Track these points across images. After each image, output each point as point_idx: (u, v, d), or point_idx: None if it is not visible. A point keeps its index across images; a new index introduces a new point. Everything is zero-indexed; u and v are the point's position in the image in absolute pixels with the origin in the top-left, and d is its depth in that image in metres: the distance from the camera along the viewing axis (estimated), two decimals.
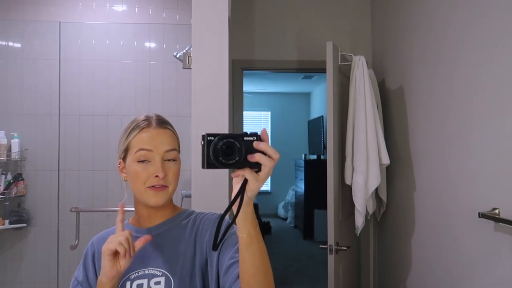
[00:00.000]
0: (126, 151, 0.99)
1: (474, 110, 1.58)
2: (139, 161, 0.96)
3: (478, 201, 1.54)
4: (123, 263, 0.85)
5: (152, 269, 0.97)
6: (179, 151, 1.02)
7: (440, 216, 1.86)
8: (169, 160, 0.98)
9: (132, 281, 0.96)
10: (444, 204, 1.82)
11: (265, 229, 6.24)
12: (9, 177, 2.62)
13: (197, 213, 1.06)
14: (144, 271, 0.97)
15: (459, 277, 1.69)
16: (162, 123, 1.01)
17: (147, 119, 1.01)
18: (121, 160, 1.01)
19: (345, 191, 2.26)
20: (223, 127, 1.65)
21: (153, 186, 0.95)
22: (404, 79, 2.28)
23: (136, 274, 0.97)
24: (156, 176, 0.94)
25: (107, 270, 0.85)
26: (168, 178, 0.96)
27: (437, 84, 1.89)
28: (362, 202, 2.12)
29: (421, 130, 2.06)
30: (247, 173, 0.70)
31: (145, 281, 0.96)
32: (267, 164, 0.70)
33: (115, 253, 0.85)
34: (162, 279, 0.96)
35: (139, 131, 0.98)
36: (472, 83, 1.59)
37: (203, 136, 0.70)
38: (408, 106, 2.22)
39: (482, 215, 1.44)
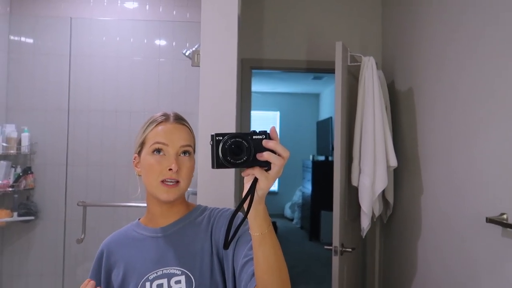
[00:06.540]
0: (142, 145, 1.00)
1: (481, 113, 1.56)
2: (153, 152, 0.96)
3: (486, 205, 1.51)
4: None
5: (171, 268, 0.96)
6: (194, 149, 1.02)
7: (447, 220, 1.83)
8: (183, 155, 0.98)
9: (151, 282, 0.95)
10: (451, 208, 1.79)
11: None
12: (19, 170, 2.66)
13: (211, 209, 1.06)
14: (162, 270, 0.96)
15: (465, 282, 1.67)
16: (180, 119, 1.02)
17: (165, 114, 1.02)
18: (136, 155, 1.02)
19: (352, 192, 2.24)
20: (230, 125, 1.64)
21: (165, 182, 0.94)
22: (413, 81, 2.26)
23: (155, 274, 0.96)
24: (170, 169, 0.93)
25: None
26: (181, 173, 0.96)
27: (443, 87, 1.87)
28: (368, 204, 2.10)
29: (429, 133, 2.04)
30: (256, 171, 0.70)
31: (164, 281, 0.95)
32: (276, 163, 0.69)
33: None
34: (182, 278, 0.95)
35: (156, 125, 0.99)
36: (478, 85, 1.57)
37: (212, 136, 0.70)
38: (417, 109, 2.20)
39: (489, 220, 1.41)
